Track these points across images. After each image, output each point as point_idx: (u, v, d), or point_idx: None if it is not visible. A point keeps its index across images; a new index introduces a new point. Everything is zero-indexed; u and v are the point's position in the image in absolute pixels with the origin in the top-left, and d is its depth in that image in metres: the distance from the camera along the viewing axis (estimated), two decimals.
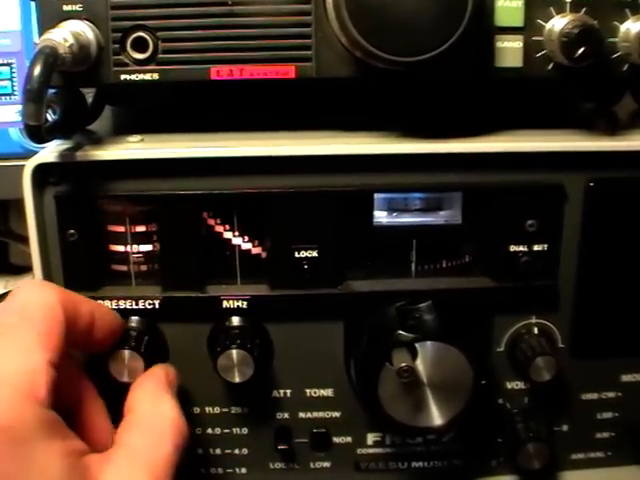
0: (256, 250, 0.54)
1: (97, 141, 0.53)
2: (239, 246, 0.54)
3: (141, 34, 0.49)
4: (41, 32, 0.48)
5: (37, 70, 0.43)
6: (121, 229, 0.53)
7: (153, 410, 0.47)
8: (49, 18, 0.48)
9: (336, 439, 0.58)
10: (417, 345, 0.50)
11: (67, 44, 0.46)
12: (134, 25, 0.48)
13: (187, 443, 0.46)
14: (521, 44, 0.49)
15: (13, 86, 0.78)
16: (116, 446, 0.44)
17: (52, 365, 0.41)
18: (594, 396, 0.58)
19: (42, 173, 0.50)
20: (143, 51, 0.49)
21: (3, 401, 0.38)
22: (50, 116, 0.52)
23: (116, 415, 0.48)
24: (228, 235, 0.53)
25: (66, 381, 0.45)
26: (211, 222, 0.53)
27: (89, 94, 0.56)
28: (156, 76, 0.49)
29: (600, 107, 0.64)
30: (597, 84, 0.60)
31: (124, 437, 0.45)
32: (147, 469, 0.42)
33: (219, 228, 0.53)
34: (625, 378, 0.58)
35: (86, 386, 0.49)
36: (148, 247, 0.53)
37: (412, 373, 0.49)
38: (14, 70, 0.78)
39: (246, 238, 0.53)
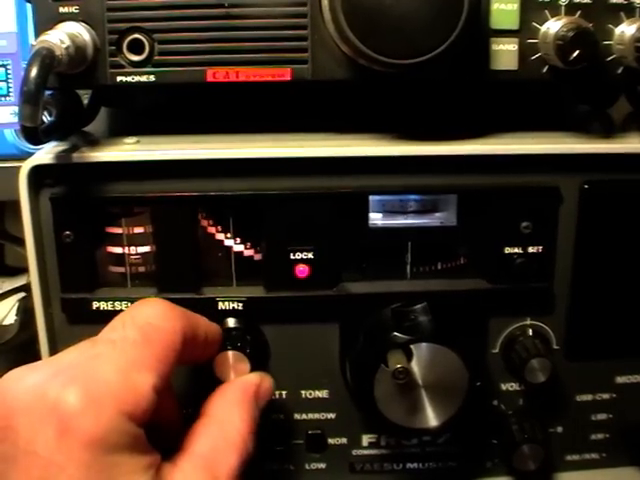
0: (251, 252, 0.54)
1: (93, 143, 0.53)
2: (234, 248, 0.54)
3: (137, 36, 0.49)
4: (37, 34, 0.48)
5: (34, 72, 0.44)
6: (117, 231, 0.53)
7: (227, 419, 0.46)
8: (45, 20, 0.48)
9: (331, 440, 0.58)
10: (412, 347, 0.50)
11: (63, 46, 0.46)
12: (130, 27, 0.48)
13: (249, 462, 0.45)
14: (516, 47, 0.50)
15: (9, 87, 0.78)
16: (184, 452, 0.43)
17: (156, 391, 0.41)
18: (589, 397, 0.58)
19: (38, 175, 0.50)
20: (139, 53, 0.49)
21: (104, 413, 0.38)
22: (46, 118, 0.52)
23: None
24: (224, 237, 0.53)
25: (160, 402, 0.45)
26: (207, 224, 0.53)
27: (85, 96, 0.56)
28: (152, 78, 0.49)
29: (595, 109, 0.65)
30: (592, 87, 0.60)
31: (193, 443, 0.44)
32: (213, 478, 0.42)
33: (215, 230, 0.53)
34: (620, 379, 0.58)
35: (172, 402, 0.49)
36: (144, 249, 0.53)
37: (407, 375, 0.49)
38: (10, 71, 0.78)
39: (242, 240, 0.53)
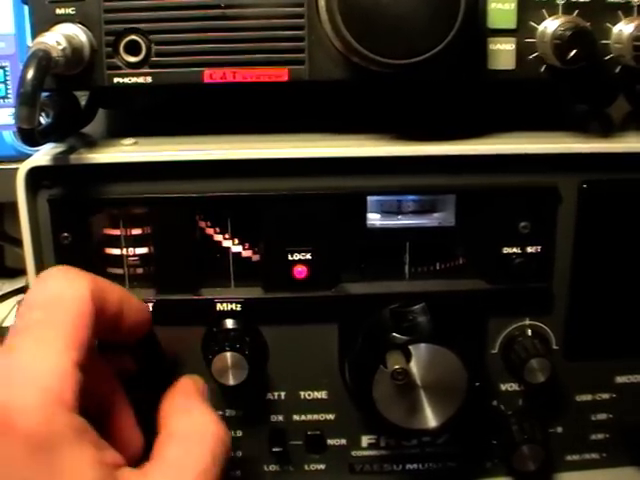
0: (250, 253, 0.54)
1: (91, 144, 0.53)
2: (233, 249, 0.54)
3: (134, 37, 0.49)
4: (34, 35, 0.48)
5: (30, 73, 0.44)
6: (115, 232, 0.53)
7: (187, 422, 0.45)
8: (42, 21, 0.48)
9: (330, 441, 0.58)
10: (411, 347, 0.50)
11: (60, 47, 0.46)
12: (127, 28, 0.48)
13: (229, 451, 0.45)
14: (514, 46, 0.50)
15: (7, 89, 0.78)
16: (152, 460, 0.42)
17: (79, 366, 0.39)
18: (588, 397, 0.58)
19: (36, 176, 0.50)
20: (136, 54, 0.49)
21: (30, 405, 0.36)
22: (44, 119, 0.51)
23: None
24: (222, 238, 0.53)
25: (94, 381, 0.42)
26: (205, 225, 0.53)
27: (83, 97, 0.56)
28: (149, 79, 0.49)
29: (594, 109, 0.65)
30: (590, 86, 0.60)
31: (160, 451, 0.42)
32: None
33: (213, 231, 0.53)
34: (619, 379, 0.58)
35: (115, 388, 0.48)
36: (142, 250, 0.53)
37: (406, 375, 0.49)
38: (8, 73, 0.78)
39: (240, 241, 0.53)
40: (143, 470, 0.41)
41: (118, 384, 0.48)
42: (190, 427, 0.44)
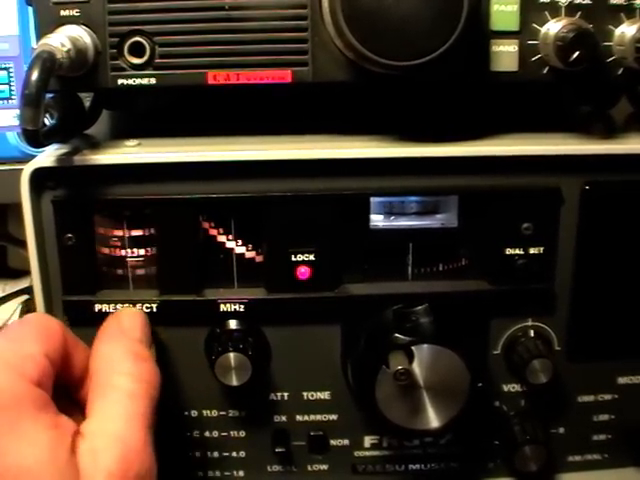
0: (253, 254, 0.54)
1: (94, 145, 0.53)
2: (236, 250, 0.54)
3: (138, 39, 0.49)
4: (38, 37, 0.48)
5: (35, 75, 0.44)
6: (118, 233, 0.53)
7: (107, 370, 0.47)
8: (46, 23, 0.48)
9: (333, 442, 0.58)
10: (414, 348, 0.50)
11: (64, 49, 0.46)
12: (131, 30, 0.49)
13: (156, 387, 0.47)
14: (516, 48, 0.50)
15: (11, 90, 0.78)
16: (89, 419, 0.44)
17: (48, 358, 0.43)
18: (590, 398, 0.58)
19: (40, 177, 0.50)
20: (140, 56, 0.49)
21: None
22: (48, 120, 0.52)
23: None
24: (225, 239, 0.53)
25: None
26: (208, 226, 0.53)
27: (87, 98, 0.56)
28: (153, 81, 0.49)
29: (596, 110, 0.65)
30: (593, 88, 0.60)
31: (89, 408, 0.45)
32: (113, 435, 0.43)
33: (216, 232, 0.53)
34: (621, 380, 0.58)
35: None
36: (145, 251, 0.53)
37: (409, 376, 0.49)
38: (12, 74, 0.78)
39: (243, 242, 0.54)
40: (80, 430, 0.43)
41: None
42: (111, 375, 0.46)
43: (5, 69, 0.78)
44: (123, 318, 0.51)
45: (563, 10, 0.49)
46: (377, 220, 0.54)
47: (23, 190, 0.50)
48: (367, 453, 0.59)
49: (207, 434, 0.57)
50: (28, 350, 0.43)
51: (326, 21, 0.48)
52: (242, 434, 0.58)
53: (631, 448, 0.59)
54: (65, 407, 0.44)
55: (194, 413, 0.56)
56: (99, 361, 0.48)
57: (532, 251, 0.53)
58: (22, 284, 0.89)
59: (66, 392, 0.48)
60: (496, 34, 0.49)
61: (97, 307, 0.53)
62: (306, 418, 0.57)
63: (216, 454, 0.58)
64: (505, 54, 0.50)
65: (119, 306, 0.53)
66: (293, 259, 0.53)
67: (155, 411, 0.46)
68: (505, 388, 0.57)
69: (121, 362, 0.47)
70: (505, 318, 0.55)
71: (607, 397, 0.58)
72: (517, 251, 0.53)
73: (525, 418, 0.57)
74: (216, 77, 0.49)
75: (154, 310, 0.53)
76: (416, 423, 0.52)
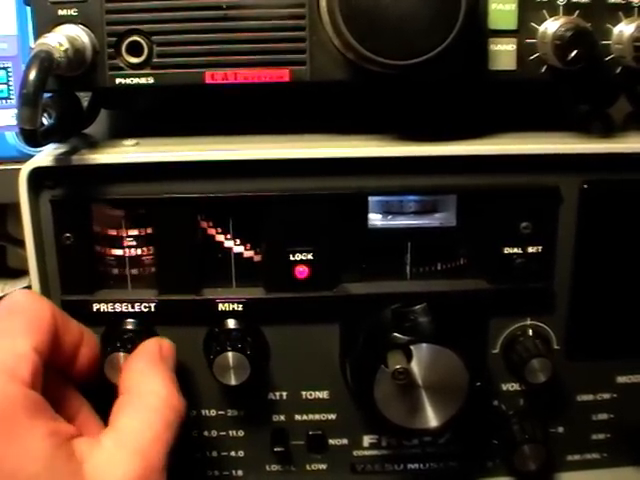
0: (251, 253, 0.54)
1: (93, 145, 0.53)
2: (234, 249, 0.54)
3: (136, 38, 0.49)
4: (36, 36, 0.48)
5: (32, 74, 0.44)
6: (117, 232, 0.53)
7: (142, 389, 0.46)
8: (44, 22, 0.48)
9: (332, 441, 0.58)
10: (412, 347, 0.50)
11: (62, 48, 0.46)
12: (129, 29, 0.49)
13: (183, 417, 0.46)
14: (514, 47, 0.50)
15: (9, 90, 0.78)
16: (106, 429, 0.44)
17: (38, 352, 0.42)
18: (589, 397, 0.58)
19: (38, 177, 0.50)
20: (138, 55, 0.49)
21: None
22: (46, 120, 0.52)
23: None
24: (223, 238, 0.53)
25: (57, 394, 0.46)
26: (206, 225, 0.53)
27: (85, 98, 0.56)
28: (151, 80, 0.49)
29: (595, 109, 0.65)
30: (591, 86, 0.60)
31: (114, 420, 0.44)
32: (135, 450, 0.42)
33: (215, 231, 0.53)
34: (620, 379, 0.58)
35: (79, 401, 0.49)
36: (143, 250, 0.53)
37: (407, 375, 0.49)
38: (10, 74, 0.78)
39: (241, 241, 0.54)
40: (97, 438, 0.43)
41: (81, 397, 0.50)
42: (143, 394, 0.46)
43: (3, 69, 0.78)
44: (164, 346, 0.51)
45: (561, 9, 0.49)
46: (375, 219, 0.54)
47: (21, 190, 0.50)
48: (366, 452, 0.59)
49: (206, 434, 0.58)
50: (19, 348, 0.42)
51: (324, 20, 0.48)
52: (241, 433, 0.58)
53: (630, 447, 0.59)
54: (57, 389, 0.44)
55: (193, 412, 0.56)
56: (135, 376, 0.47)
57: (531, 250, 0.53)
58: (21, 284, 0.89)
59: (57, 372, 0.47)
60: (494, 33, 0.49)
61: (95, 307, 0.53)
62: (305, 417, 0.57)
63: (215, 453, 0.58)
64: (503, 53, 0.50)
65: (117, 305, 0.53)
66: (291, 258, 0.53)
67: (176, 442, 0.45)
68: (504, 387, 0.57)
69: (157, 384, 0.47)
70: (504, 317, 0.55)
71: (606, 396, 0.58)
72: (516, 250, 0.53)
73: (524, 417, 0.57)
74: (214, 76, 0.49)
75: (152, 310, 0.53)
76: (415, 422, 0.52)
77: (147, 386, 0.46)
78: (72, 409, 0.48)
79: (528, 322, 0.55)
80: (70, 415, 0.47)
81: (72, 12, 0.48)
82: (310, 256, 0.53)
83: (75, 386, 0.49)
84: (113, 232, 0.53)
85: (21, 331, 0.43)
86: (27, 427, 0.39)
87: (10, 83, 0.78)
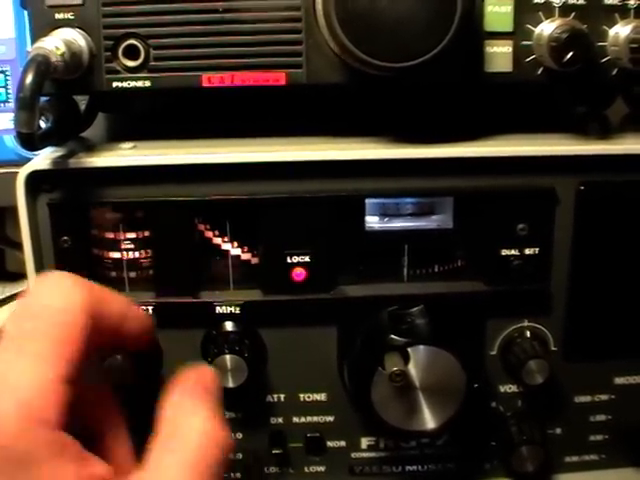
0: (248, 256, 0.54)
1: (90, 148, 0.53)
2: (232, 252, 0.54)
3: (133, 42, 0.49)
4: (33, 40, 0.48)
5: (29, 78, 0.44)
6: (114, 236, 0.53)
7: (182, 424, 0.41)
8: (41, 26, 0.48)
9: (330, 443, 0.58)
10: (409, 349, 0.50)
11: (59, 52, 0.46)
12: (126, 33, 0.49)
13: (229, 454, 0.41)
14: (510, 49, 0.50)
15: (7, 93, 0.79)
16: (143, 469, 0.39)
17: (67, 381, 0.37)
18: (587, 399, 0.58)
19: (35, 180, 0.50)
20: (135, 59, 0.49)
21: (7, 419, 0.35)
22: (43, 123, 0.52)
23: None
24: (221, 241, 0.53)
25: (87, 395, 0.41)
26: (204, 228, 0.53)
27: (82, 101, 0.56)
28: (148, 83, 0.49)
29: (591, 111, 0.65)
30: (587, 88, 0.60)
31: (151, 458, 0.39)
32: None
33: (212, 234, 0.53)
34: (618, 380, 0.58)
35: (109, 403, 0.45)
36: (141, 253, 0.53)
37: (404, 377, 0.49)
38: (8, 77, 0.78)
39: (239, 244, 0.54)
40: (135, 478, 0.38)
41: (114, 398, 0.46)
42: (183, 431, 0.41)
43: (1, 72, 0.78)
44: (207, 375, 0.45)
45: (557, 11, 0.49)
46: (372, 221, 0.54)
47: (19, 193, 0.50)
48: (364, 454, 0.59)
49: None
50: (45, 378, 0.36)
51: (320, 23, 0.48)
52: (239, 436, 0.58)
53: (628, 448, 0.59)
54: (93, 413, 0.41)
55: None
56: (174, 411, 0.42)
57: (528, 252, 0.53)
58: (19, 287, 0.89)
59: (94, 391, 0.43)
60: (490, 35, 0.50)
61: None
62: (303, 420, 0.57)
63: None
64: (499, 55, 0.50)
65: None
66: (289, 261, 0.53)
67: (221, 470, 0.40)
68: (502, 389, 0.57)
69: (199, 419, 0.41)
70: (501, 319, 0.55)
71: (604, 397, 0.58)
72: (513, 252, 0.53)
73: (522, 419, 0.57)
74: (210, 79, 0.49)
75: (150, 312, 0.53)
76: (412, 424, 0.52)
77: (187, 422, 0.41)
78: (107, 439, 0.44)
79: (525, 324, 0.55)
80: (104, 447, 0.43)
81: (69, 16, 0.48)
82: (307, 258, 0.53)
83: (114, 409, 0.45)
84: (111, 235, 0.53)
85: (48, 355, 0.37)
86: (51, 473, 0.35)
87: (8, 86, 0.78)
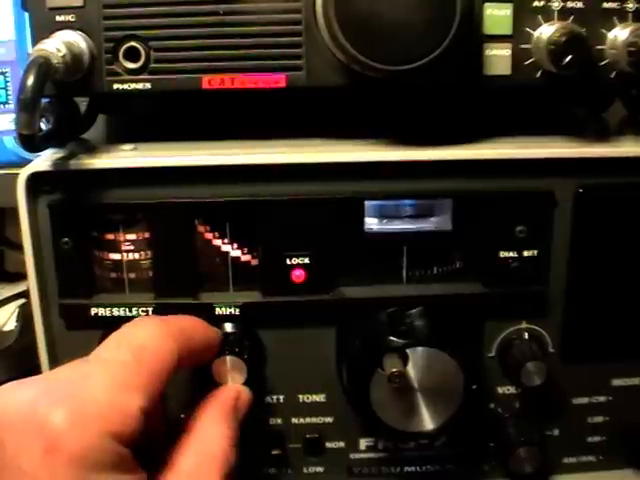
0: (248, 257, 0.54)
1: (90, 150, 0.53)
2: (231, 253, 0.54)
3: (133, 44, 0.49)
4: (34, 42, 0.48)
5: (30, 80, 0.44)
6: (114, 237, 0.53)
7: (209, 437, 0.47)
8: (42, 28, 0.48)
9: (329, 444, 0.58)
10: (408, 351, 0.50)
11: (60, 54, 0.46)
12: (126, 35, 0.49)
13: (234, 473, 0.46)
14: (509, 52, 0.50)
15: (7, 95, 0.79)
16: (167, 469, 0.44)
17: (144, 413, 0.41)
18: (585, 400, 0.58)
19: (36, 182, 0.50)
20: (135, 61, 0.49)
21: (90, 433, 0.39)
22: (44, 125, 0.52)
23: None
24: (220, 242, 0.54)
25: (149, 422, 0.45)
26: (203, 230, 0.53)
27: (83, 103, 0.56)
28: (148, 85, 0.50)
29: (590, 114, 0.65)
30: (586, 91, 0.60)
31: (175, 458, 0.45)
32: None
33: (212, 236, 0.54)
34: (616, 382, 0.58)
35: (160, 421, 0.49)
36: (141, 255, 0.54)
37: (403, 378, 0.50)
38: (8, 79, 0.78)
39: (238, 245, 0.54)
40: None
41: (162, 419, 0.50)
42: (207, 442, 0.46)
43: (1, 74, 0.78)
44: (242, 397, 0.52)
45: (556, 14, 0.49)
46: (371, 223, 0.54)
47: (19, 194, 0.50)
48: (362, 455, 0.59)
49: None
50: (129, 405, 0.41)
51: (320, 26, 0.48)
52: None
53: (626, 450, 0.60)
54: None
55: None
56: (204, 420, 0.48)
57: (526, 254, 0.54)
58: (19, 288, 0.89)
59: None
60: (489, 38, 0.50)
61: (93, 311, 0.53)
62: (302, 421, 0.57)
63: None
64: (498, 58, 0.50)
65: (115, 310, 0.53)
66: (288, 262, 0.53)
67: None
68: (500, 390, 0.57)
69: (220, 434, 0.47)
70: (499, 321, 0.56)
71: (601, 399, 0.58)
72: (511, 254, 0.54)
73: (520, 420, 0.57)
74: (211, 82, 0.49)
75: (150, 313, 0.53)
76: (411, 425, 0.52)
77: (213, 435, 0.47)
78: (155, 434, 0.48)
79: (523, 325, 0.56)
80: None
81: (70, 18, 0.48)
82: (307, 260, 0.53)
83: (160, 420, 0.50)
84: (111, 236, 0.53)
85: (138, 388, 0.42)
86: None
87: (8, 88, 0.78)
